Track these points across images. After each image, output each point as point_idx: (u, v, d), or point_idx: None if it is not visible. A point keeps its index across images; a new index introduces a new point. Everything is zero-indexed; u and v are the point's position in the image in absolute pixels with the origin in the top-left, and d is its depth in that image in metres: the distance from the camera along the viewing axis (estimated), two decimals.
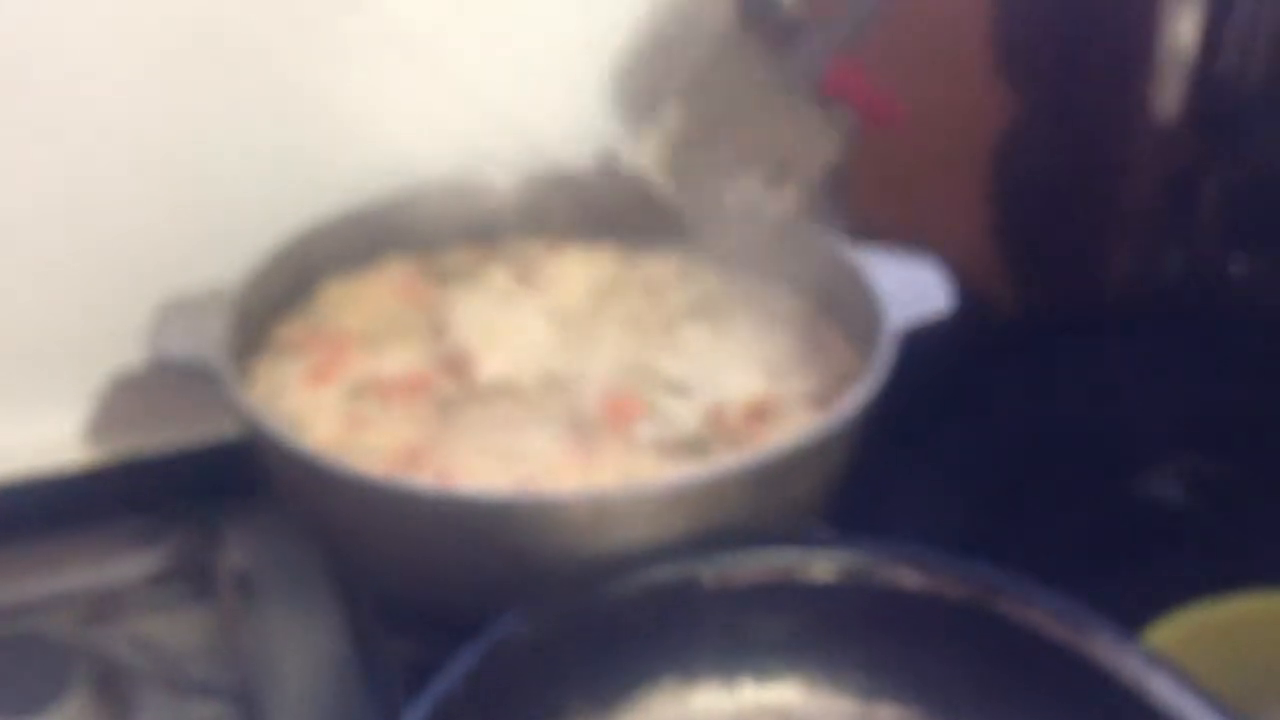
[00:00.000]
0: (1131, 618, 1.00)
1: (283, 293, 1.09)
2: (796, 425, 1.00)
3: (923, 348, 1.01)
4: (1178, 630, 1.05)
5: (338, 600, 1.12)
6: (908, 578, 0.86)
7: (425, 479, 0.93)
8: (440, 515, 0.87)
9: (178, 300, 1.05)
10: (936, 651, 0.87)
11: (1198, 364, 1.36)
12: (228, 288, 1.04)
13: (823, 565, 0.87)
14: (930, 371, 1.01)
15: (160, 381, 1.14)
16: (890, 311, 1.01)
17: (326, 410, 1.00)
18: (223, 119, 1.12)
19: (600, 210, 1.19)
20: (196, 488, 1.19)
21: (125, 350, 1.14)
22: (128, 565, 1.14)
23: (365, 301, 1.12)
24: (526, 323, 1.08)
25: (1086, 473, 1.31)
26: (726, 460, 0.93)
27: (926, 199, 1.39)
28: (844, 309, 1.09)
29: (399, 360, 1.05)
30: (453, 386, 1.04)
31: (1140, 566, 1.23)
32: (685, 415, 1.00)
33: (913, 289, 1.04)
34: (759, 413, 1.02)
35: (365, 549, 0.96)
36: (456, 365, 1.06)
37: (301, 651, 1.08)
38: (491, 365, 1.04)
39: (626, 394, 1.03)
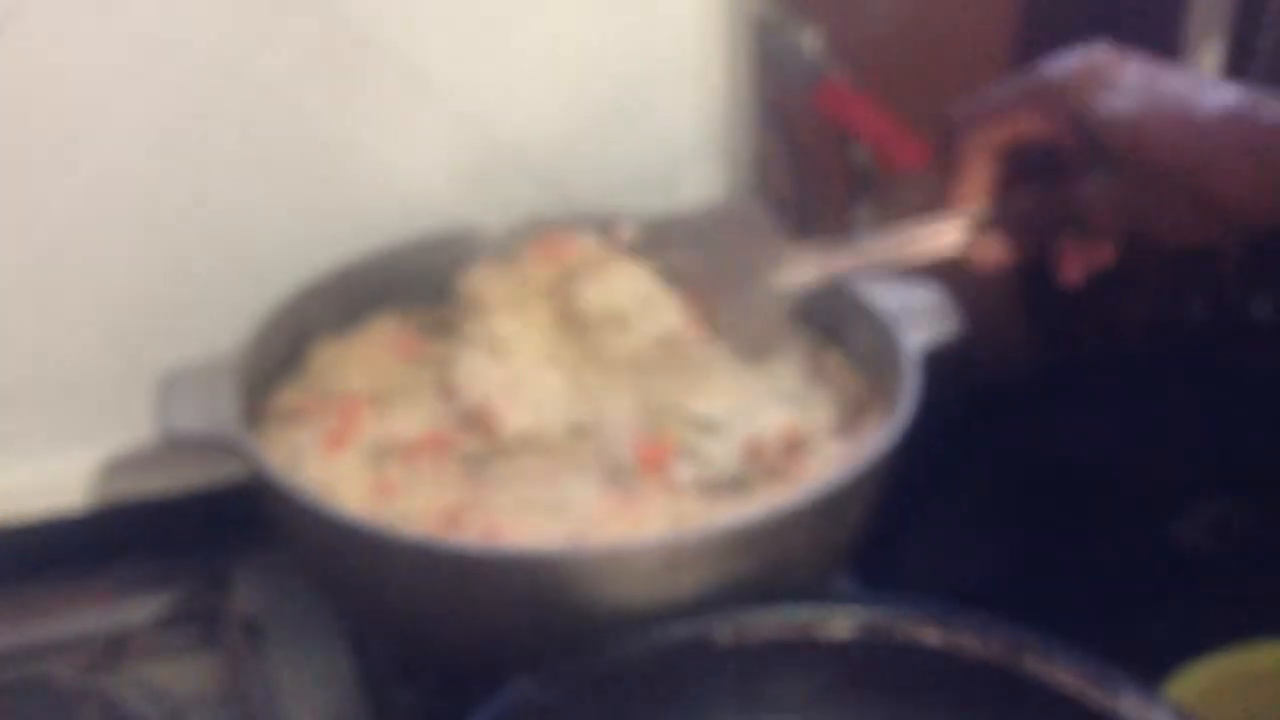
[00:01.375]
0: (1158, 663, 0.98)
1: (277, 358, 1.08)
2: (831, 456, 1.00)
3: (942, 390, 0.99)
4: (1200, 680, 1.03)
5: (348, 647, 1.10)
6: (930, 635, 0.84)
7: (474, 540, 0.91)
8: (503, 575, 0.86)
9: (180, 371, 1.02)
10: (959, 714, 0.85)
11: (1225, 408, 1.34)
12: (226, 356, 1.02)
13: (841, 622, 0.85)
14: (950, 413, 1.00)
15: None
16: (906, 335, 1.01)
17: (350, 477, 0.98)
18: (236, 166, 1.12)
19: None
20: (203, 531, 1.17)
21: (130, 393, 1.10)
22: (134, 609, 1.13)
23: (362, 362, 1.09)
24: (542, 373, 1.05)
25: (1112, 518, 1.30)
26: (796, 491, 0.92)
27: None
28: (850, 336, 1.09)
29: (413, 420, 1.03)
30: (475, 443, 1.02)
31: (1166, 612, 1.22)
32: (722, 453, 0.99)
33: (920, 312, 1.03)
34: (794, 445, 1.01)
35: (400, 610, 0.94)
36: (476, 421, 1.03)
37: (311, 700, 1.06)
38: (516, 419, 1.02)
39: (657, 436, 1.01)
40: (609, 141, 1.20)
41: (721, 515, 0.93)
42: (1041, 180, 0.92)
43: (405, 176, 1.16)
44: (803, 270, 1.02)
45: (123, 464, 1.17)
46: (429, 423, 1.02)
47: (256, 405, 1.03)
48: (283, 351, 1.08)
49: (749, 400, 1.03)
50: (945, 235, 0.96)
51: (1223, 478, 1.32)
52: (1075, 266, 0.94)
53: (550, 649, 0.84)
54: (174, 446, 0.97)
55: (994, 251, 0.95)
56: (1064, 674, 0.82)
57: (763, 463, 0.99)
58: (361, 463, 0.99)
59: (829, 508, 0.89)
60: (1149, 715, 0.79)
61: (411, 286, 1.15)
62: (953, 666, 0.84)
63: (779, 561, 0.88)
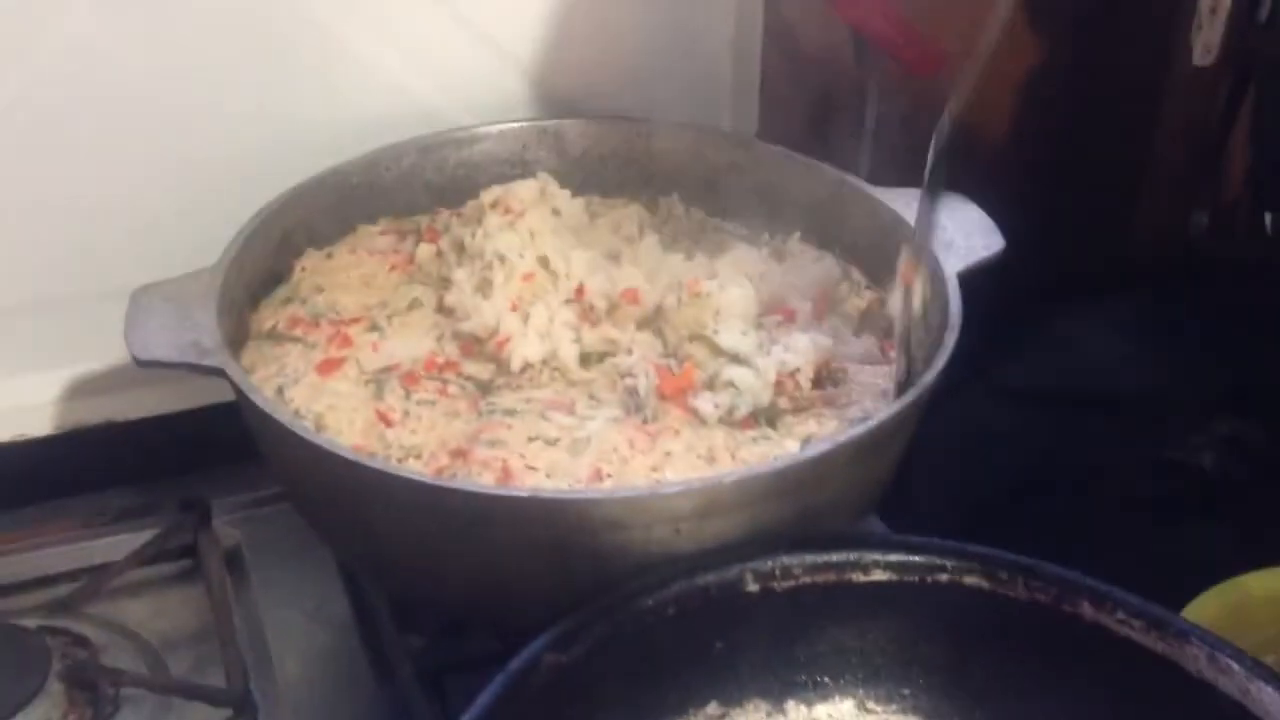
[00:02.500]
0: (1169, 588, 0.95)
1: (262, 273, 1.02)
2: (863, 387, 0.95)
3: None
4: (1214, 605, 0.99)
5: (340, 582, 1.04)
6: (977, 578, 0.80)
7: (484, 476, 0.86)
8: (519, 521, 0.81)
9: (151, 289, 0.95)
10: (1007, 660, 0.81)
11: (1234, 328, 1.31)
12: (203, 273, 0.96)
13: (879, 565, 0.81)
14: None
15: None
16: (946, 259, 0.96)
17: (345, 405, 0.93)
18: (218, 71, 1.06)
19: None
20: (180, 456, 1.13)
21: (100, 314, 1.04)
22: (105, 543, 1.07)
23: (352, 276, 1.04)
24: (552, 298, 0.99)
25: (1119, 439, 1.27)
26: (843, 429, 0.88)
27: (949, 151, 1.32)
28: (875, 255, 1.04)
29: (412, 342, 0.98)
30: (480, 369, 0.97)
31: (1176, 535, 1.19)
32: (750, 384, 0.93)
33: (961, 231, 0.99)
34: (822, 377, 0.96)
35: (401, 556, 0.89)
36: (481, 347, 0.98)
37: (300, 640, 1.01)
38: (526, 349, 0.96)
39: (681, 366, 0.96)
40: (606, 47, 1.16)
41: (753, 451, 0.89)
42: None
43: (401, 81, 1.11)
44: None
45: (90, 387, 1.12)
46: (428, 346, 0.98)
47: (239, 324, 0.98)
48: (268, 265, 1.03)
49: (772, 327, 0.99)
50: None
51: (1231, 397, 1.28)
52: None
53: (565, 598, 0.79)
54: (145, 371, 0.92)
55: None
56: (1123, 621, 0.78)
57: (793, 396, 0.94)
58: (357, 389, 0.94)
59: (874, 445, 0.84)
60: (1215, 663, 0.75)
61: (404, 193, 1.11)
62: (999, 611, 0.80)
63: (817, 504, 0.83)
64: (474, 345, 0.97)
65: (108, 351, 1.08)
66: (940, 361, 0.87)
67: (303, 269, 1.04)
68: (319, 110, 1.09)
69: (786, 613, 0.80)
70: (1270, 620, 0.97)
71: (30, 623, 0.98)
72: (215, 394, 0.94)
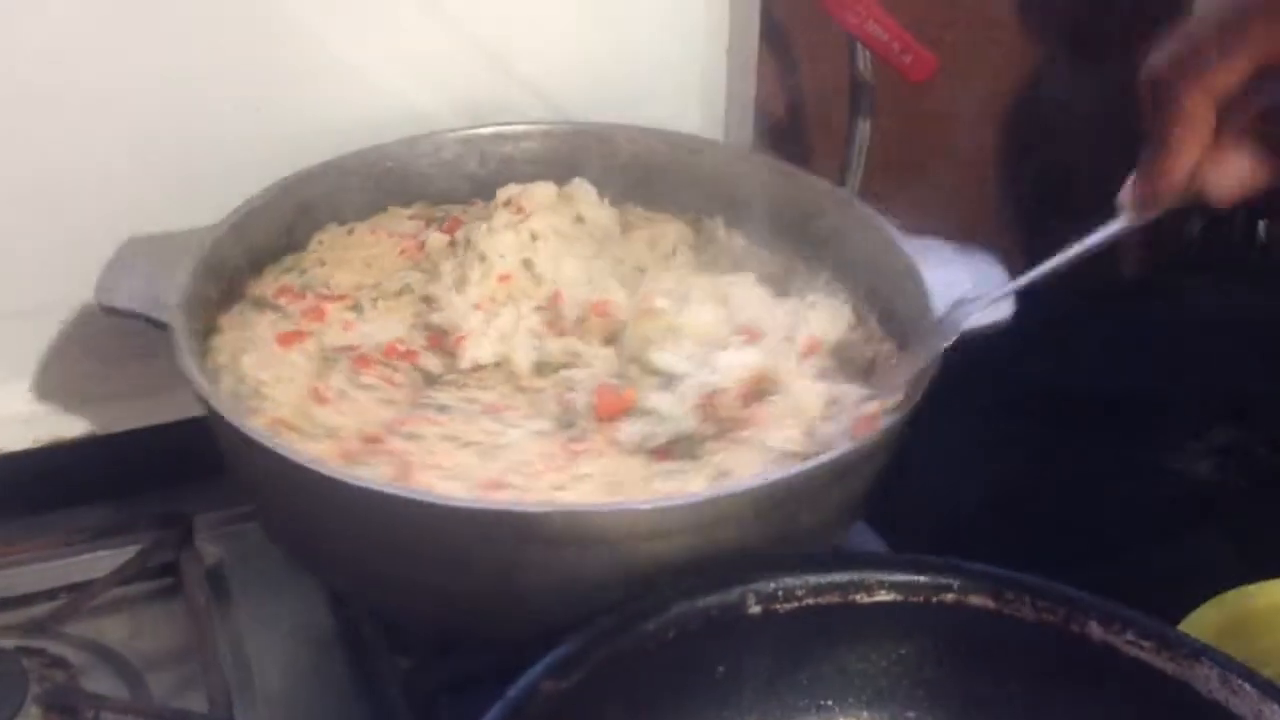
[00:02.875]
0: (1166, 601, 0.94)
1: (270, 241, 1.03)
2: (801, 397, 0.91)
3: None
4: (1212, 618, 0.98)
5: (325, 600, 1.02)
6: (983, 598, 0.78)
7: (380, 469, 0.85)
8: (380, 514, 0.79)
9: (137, 242, 0.96)
10: (1013, 680, 0.79)
11: (1231, 337, 1.30)
12: (203, 231, 0.97)
13: (883, 586, 0.79)
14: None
15: (118, 352, 1.07)
16: (952, 312, 0.91)
17: (289, 377, 0.93)
18: (211, 63, 1.05)
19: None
20: (161, 472, 1.10)
21: (78, 321, 1.07)
22: (84, 562, 1.05)
23: (362, 256, 1.05)
24: (524, 303, 0.98)
25: (1115, 449, 1.27)
26: (747, 480, 0.84)
27: (945, 154, 1.31)
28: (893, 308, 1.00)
29: (384, 326, 0.98)
30: (436, 361, 0.96)
31: (1174, 547, 1.18)
32: (671, 409, 0.90)
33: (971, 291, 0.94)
34: (752, 396, 0.92)
35: (317, 544, 0.90)
36: (443, 340, 0.97)
37: (284, 660, 0.99)
38: (477, 349, 0.95)
39: (621, 387, 0.93)
40: (603, 52, 1.15)
41: (663, 486, 0.85)
42: None
43: (393, 89, 1.11)
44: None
45: (68, 399, 1.10)
46: (397, 332, 0.97)
47: (232, 288, 0.99)
48: (281, 234, 1.04)
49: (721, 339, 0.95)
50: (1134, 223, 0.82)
51: (1229, 406, 1.27)
52: None
53: (504, 609, 0.81)
54: (105, 319, 0.93)
55: (1233, 177, 0.77)
56: (1132, 640, 0.76)
57: (717, 418, 0.90)
58: (306, 363, 0.94)
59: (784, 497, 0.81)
60: (1227, 684, 0.74)
61: (445, 181, 1.11)
62: (1006, 632, 0.78)
63: (724, 539, 0.81)
64: (440, 338, 0.97)
65: (86, 362, 1.07)
66: (907, 408, 0.86)
67: (320, 242, 1.05)
68: (304, 109, 1.08)
69: (789, 635, 0.78)
70: (1271, 631, 0.96)
71: (6, 643, 0.96)
72: (197, 407, 0.91)
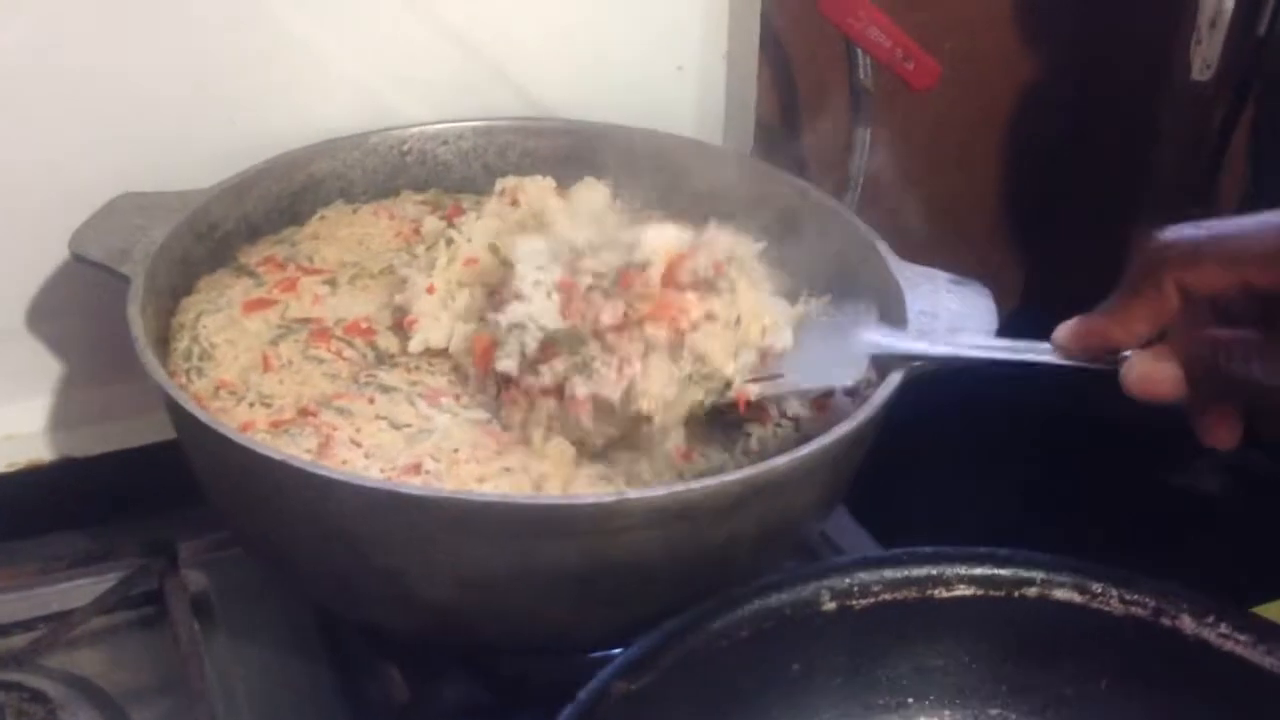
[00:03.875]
0: None
1: (270, 210, 1.04)
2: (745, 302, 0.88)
3: None
4: None
5: (314, 629, 0.98)
6: (1070, 591, 0.76)
7: (303, 440, 0.85)
8: (289, 485, 0.79)
9: (130, 197, 0.96)
10: (1102, 676, 0.77)
11: None
12: (197, 193, 0.98)
13: (963, 580, 0.77)
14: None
15: (95, 374, 1.05)
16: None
17: (242, 343, 0.93)
18: (174, 53, 1.02)
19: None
20: (143, 497, 1.06)
21: (54, 343, 1.04)
22: (64, 591, 1.01)
23: (356, 234, 1.04)
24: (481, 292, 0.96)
25: (1123, 464, 1.26)
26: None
27: (945, 167, 1.30)
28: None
29: (354, 304, 0.97)
30: (396, 344, 0.95)
31: (1177, 559, 1.16)
32: (532, 310, 0.88)
33: (955, 316, 0.93)
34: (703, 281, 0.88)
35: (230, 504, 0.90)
36: (396, 321, 0.96)
37: (272, 691, 0.95)
38: (424, 334, 0.93)
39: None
40: (601, 59, 1.14)
41: (584, 487, 0.85)
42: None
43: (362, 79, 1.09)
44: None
45: (46, 421, 1.07)
46: (365, 310, 0.97)
47: (219, 252, 1.01)
48: (284, 205, 1.05)
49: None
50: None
51: None
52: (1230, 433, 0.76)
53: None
54: (74, 265, 0.93)
55: (1160, 383, 0.76)
56: (1228, 635, 0.74)
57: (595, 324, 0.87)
58: (264, 331, 0.94)
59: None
60: None
61: (464, 170, 1.12)
62: (1093, 625, 0.76)
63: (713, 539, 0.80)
64: (402, 318, 0.96)
65: (63, 385, 1.06)
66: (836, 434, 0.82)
67: (321, 217, 1.05)
68: (284, 106, 1.07)
69: (866, 632, 0.77)
70: None
71: None
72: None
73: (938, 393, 0.90)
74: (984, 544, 0.79)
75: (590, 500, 0.80)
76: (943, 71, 1.13)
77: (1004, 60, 1.35)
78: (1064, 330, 0.79)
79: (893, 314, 0.94)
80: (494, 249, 0.96)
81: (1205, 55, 1.24)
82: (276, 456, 0.78)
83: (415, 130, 1.10)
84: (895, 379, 0.85)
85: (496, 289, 0.93)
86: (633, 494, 0.79)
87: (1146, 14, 1.35)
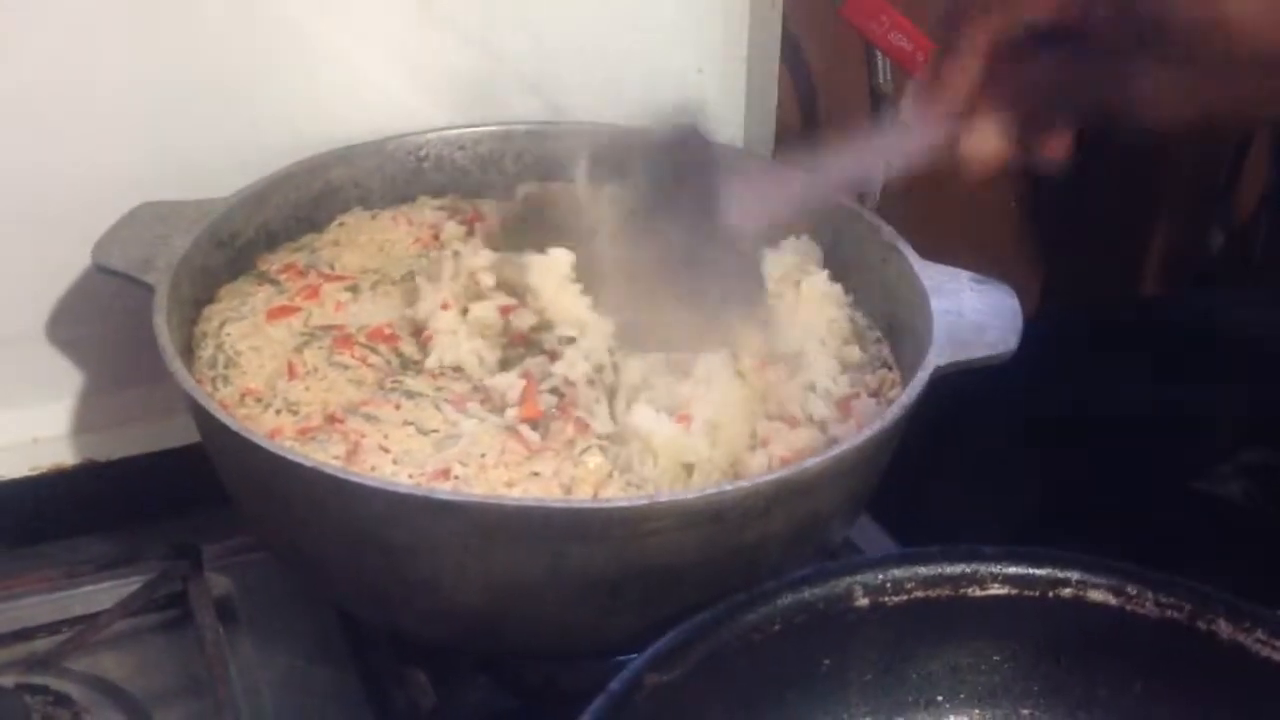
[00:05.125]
0: None
1: (287, 219, 1.04)
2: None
3: None
4: None
5: (340, 632, 0.98)
6: (1105, 593, 0.75)
7: (331, 447, 0.85)
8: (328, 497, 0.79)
9: (150, 205, 0.96)
10: (1136, 679, 0.77)
11: (1255, 354, 1.29)
12: (218, 201, 0.98)
13: (997, 579, 0.76)
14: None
15: (118, 378, 1.05)
16: (934, 347, 0.90)
17: (270, 350, 0.93)
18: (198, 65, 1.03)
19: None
20: (166, 500, 1.07)
21: (77, 350, 1.05)
22: (88, 594, 1.00)
23: (377, 240, 1.04)
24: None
25: (1145, 470, 1.24)
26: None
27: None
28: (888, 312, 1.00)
29: (376, 310, 0.98)
30: (412, 348, 0.95)
31: (1199, 566, 1.15)
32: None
33: (980, 317, 0.93)
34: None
35: (269, 521, 0.90)
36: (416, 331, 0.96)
37: (297, 695, 0.95)
38: (442, 351, 0.93)
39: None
40: (614, 57, 1.14)
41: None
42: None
43: (400, 91, 1.09)
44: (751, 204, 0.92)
45: (69, 425, 1.07)
46: (388, 316, 0.97)
47: (238, 260, 1.01)
48: (303, 213, 1.05)
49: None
50: (919, 139, 0.85)
51: (1258, 427, 1.25)
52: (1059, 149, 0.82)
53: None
54: (97, 275, 0.93)
55: (987, 145, 0.82)
56: (1262, 639, 0.74)
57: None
58: (288, 339, 0.94)
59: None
60: None
61: (482, 175, 1.12)
62: (1128, 628, 0.76)
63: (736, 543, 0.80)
64: (414, 328, 0.96)
65: (85, 388, 1.06)
66: (860, 439, 0.82)
67: (340, 224, 1.05)
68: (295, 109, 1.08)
69: (898, 629, 0.77)
70: None
71: (8, 681, 0.92)
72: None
73: (956, 397, 0.90)
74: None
75: (622, 504, 0.80)
76: None
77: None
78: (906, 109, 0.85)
79: (917, 314, 0.94)
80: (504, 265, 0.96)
81: None
82: (308, 464, 0.78)
83: (433, 136, 1.10)
84: (922, 379, 0.86)
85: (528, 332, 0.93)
86: (664, 496, 0.79)
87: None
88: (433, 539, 0.78)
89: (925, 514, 1.05)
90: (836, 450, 0.80)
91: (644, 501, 0.78)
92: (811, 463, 0.79)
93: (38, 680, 0.93)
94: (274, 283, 0.99)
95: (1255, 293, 1.38)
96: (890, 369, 0.98)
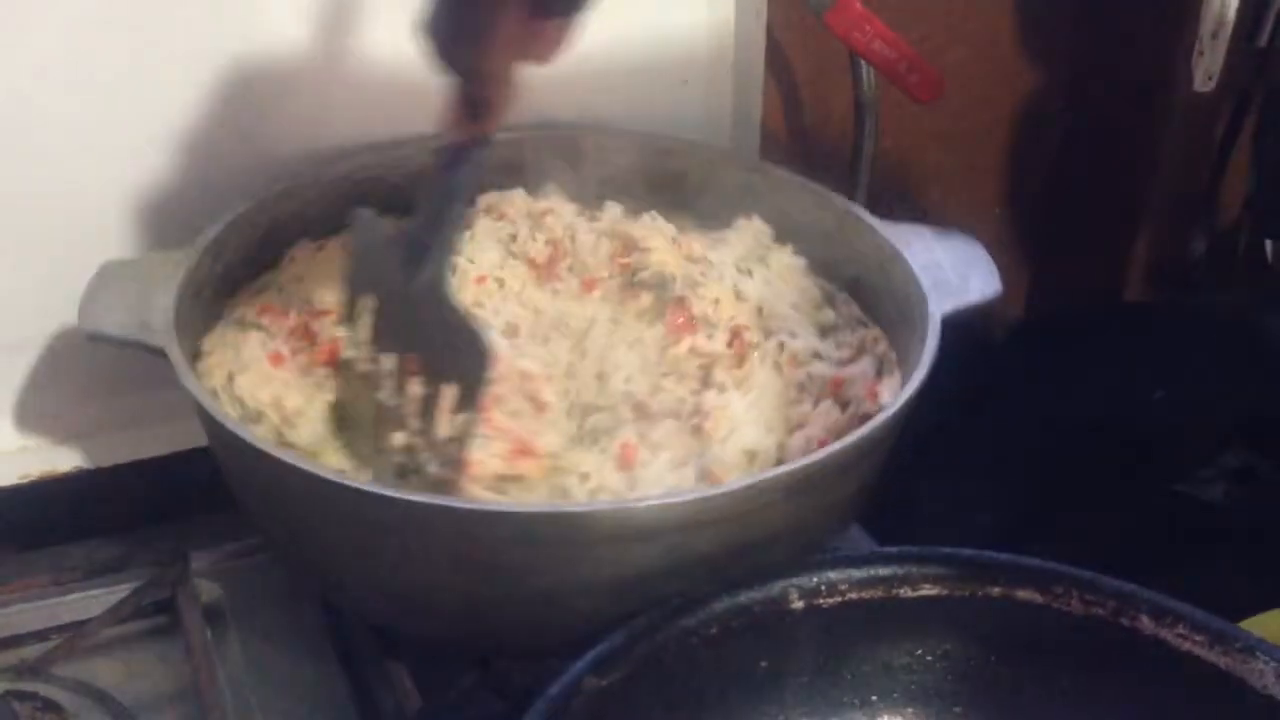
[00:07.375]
0: None
1: (242, 261, 1.00)
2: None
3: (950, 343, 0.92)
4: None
5: (328, 637, 0.99)
6: (1031, 592, 0.77)
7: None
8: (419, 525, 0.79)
9: (113, 265, 0.94)
10: (1062, 674, 0.78)
11: (1241, 357, 1.29)
12: (179, 253, 0.95)
13: (928, 580, 0.78)
14: (959, 367, 0.92)
15: (107, 384, 1.05)
16: (933, 297, 0.92)
17: (290, 398, 0.91)
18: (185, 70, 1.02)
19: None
20: (155, 506, 1.07)
21: (65, 352, 1.04)
22: (77, 601, 1.01)
23: (335, 268, 0.99)
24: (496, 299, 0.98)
25: (1128, 472, 1.26)
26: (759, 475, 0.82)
27: (945, 177, 1.30)
28: (868, 279, 1.01)
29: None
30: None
31: (1181, 569, 1.17)
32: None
33: (958, 270, 0.95)
34: None
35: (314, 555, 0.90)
36: None
37: (284, 701, 0.95)
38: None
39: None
40: (598, 66, 1.09)
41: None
42: None
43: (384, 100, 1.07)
44: None
45: (58, 432, 1.07)
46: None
47: (210, 309, 0.97)
48: (253, 254, 1.01)
49: None
50: None
51: (1240, 430, 1.25)
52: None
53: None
54: (92, 346, 0.90)
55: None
56: (1186, 635, 0.75)
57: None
58: (305, 384, 0.93)
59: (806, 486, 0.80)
60: None
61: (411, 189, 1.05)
62: (1054, 626, 0.77)
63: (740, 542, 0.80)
64: None
65: (74, 395, 1.05)
66: (900, 402, 0.84)
67: (292, 258, 1.02)
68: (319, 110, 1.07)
69: (833, 630, 0.78)
70: None
71: None
72: (191, 438, 0.91)
73: (939, 400, 0.90)
74: (987, 550, 0.80)
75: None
76: (946, 83, 1.14)
77: (1006, 72, 1.35)
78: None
79: (894, 272, 0.96)
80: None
81: (1207, 66, 1.24)
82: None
83: (369, 159, 1.07)
84: (935, 329, 0.88)
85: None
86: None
87: (1148, 26, 1.36)
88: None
89: (907, 518, 1.06)
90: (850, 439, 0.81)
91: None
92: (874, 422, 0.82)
93: (27, 687, 0.94)
94: (258, 327, 0.96)
95: (1238, 296, 1.39)
96: (867, 326, 0.99)
